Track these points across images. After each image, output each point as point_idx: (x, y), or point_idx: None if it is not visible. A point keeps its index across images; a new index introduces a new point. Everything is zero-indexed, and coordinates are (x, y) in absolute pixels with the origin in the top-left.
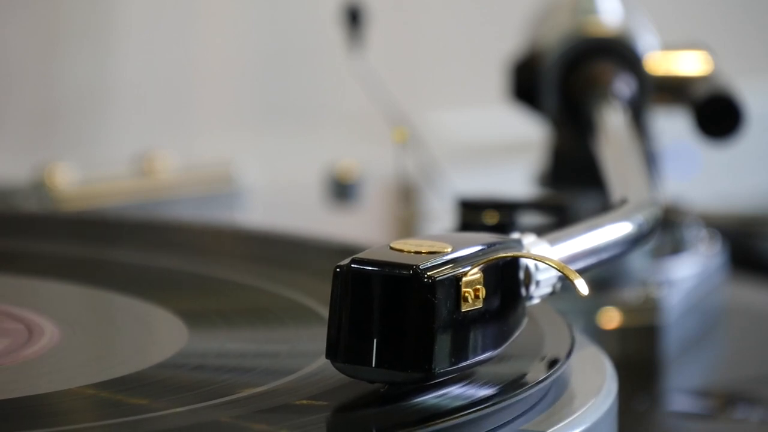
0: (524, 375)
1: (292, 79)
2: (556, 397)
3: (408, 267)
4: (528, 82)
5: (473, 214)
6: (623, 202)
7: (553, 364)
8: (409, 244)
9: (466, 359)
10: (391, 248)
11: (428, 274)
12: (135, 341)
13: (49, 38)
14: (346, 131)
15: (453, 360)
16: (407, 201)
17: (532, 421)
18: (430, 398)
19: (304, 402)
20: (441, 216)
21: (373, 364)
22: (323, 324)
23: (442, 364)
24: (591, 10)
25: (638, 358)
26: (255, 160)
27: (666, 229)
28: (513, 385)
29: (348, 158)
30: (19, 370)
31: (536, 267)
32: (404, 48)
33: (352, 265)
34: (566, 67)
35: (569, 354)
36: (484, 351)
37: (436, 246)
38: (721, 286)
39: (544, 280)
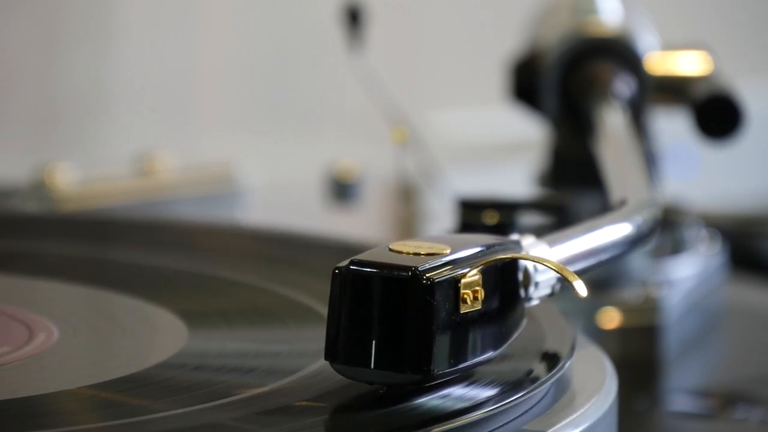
0: (525, 376)
1: (292, 79)
2: (556, 397)
3: (407, 269)
4: (528, 82)
5: (473, 214)
6: (623, 202)
7: (553, 365)
8: (407, 246)
9: (465, 360)
10: (390, 249)
11: (427, 275)
12: (135, 341)
13: (49, 38)
14: (346, 131)
15: (452, 361)
16: (407, 201)
17: (532, 421)
18: (429, 400)
19: (304, 403)
20: (441, 216)
21: (372, 366)
22: (324, 324)
23: (440, 366)
24: (591, 10)
25: (638, 358)
26: (255, 160)
27: (666, 229)
28: (514, 387)
29: (348, 158)
30: (19, 370)
31: (535, 268)
32: (404, 48)
33: (351, 267)
34: (566, 67)
35: (570, 354)
36: (483, 352)
37: (435, 247)
38: (721, 286)
39: (543, 281)
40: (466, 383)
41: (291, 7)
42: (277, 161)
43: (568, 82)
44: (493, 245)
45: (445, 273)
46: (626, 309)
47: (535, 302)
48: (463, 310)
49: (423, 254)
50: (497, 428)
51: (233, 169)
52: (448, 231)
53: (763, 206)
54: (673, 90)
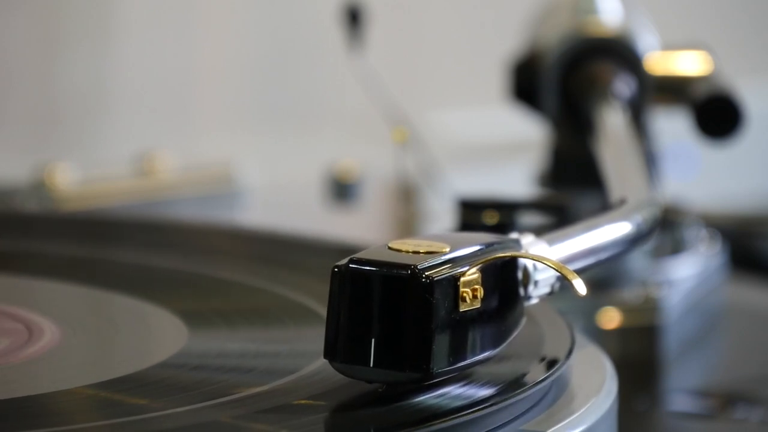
0: (524, 375)
1: (292, 79)
2: (556, 397)
3: (406, 267)
4: (528, 82)
5: (473, 214)
6: (622, 201)
7: (552, 363)
8: (407, 244)
9: (464, 359)
10: (390, 248)
11: (426, 274)
12: (135, 341)
13: (49, 38)
14: (346, 131)
15: (451, 360)
16: (407, 201)
17: (532, 421)
18: (429, 398)
19: (304, 402)
20: (441, 216)
21: (371, 364)
22: (323, 324)
23: (440, 364)
24: (591, 10)
25: (638, 358)
26: (255, 160)
27: (666, 229)
28: (513, 385)
29: (348, 158)
30: (19, 370)
31: (534, 267)
32: (404, 48)
33: (350, 265)
34: (566, 67)
35: (569, 354)
36: (482, 351)
37: (434, 246)
38: (721, 286)
39: (543, 280)
40: (464, 382)
41: (291, 7)
42: (277, 161)
43: (568, 82)
44: (493, 244)
45: (445, 271)
46: (626, 309)
47: (534, 301)
48: (463, 308)
49: (422, 252)
50: (497, 428)
51: (233, 169)
52: (449, 231)
53: (763, 206)
54: (673, 90)
